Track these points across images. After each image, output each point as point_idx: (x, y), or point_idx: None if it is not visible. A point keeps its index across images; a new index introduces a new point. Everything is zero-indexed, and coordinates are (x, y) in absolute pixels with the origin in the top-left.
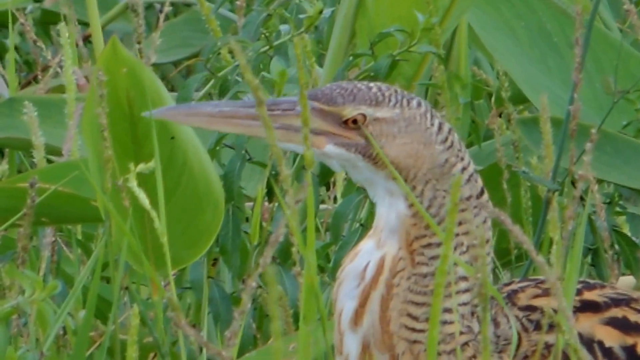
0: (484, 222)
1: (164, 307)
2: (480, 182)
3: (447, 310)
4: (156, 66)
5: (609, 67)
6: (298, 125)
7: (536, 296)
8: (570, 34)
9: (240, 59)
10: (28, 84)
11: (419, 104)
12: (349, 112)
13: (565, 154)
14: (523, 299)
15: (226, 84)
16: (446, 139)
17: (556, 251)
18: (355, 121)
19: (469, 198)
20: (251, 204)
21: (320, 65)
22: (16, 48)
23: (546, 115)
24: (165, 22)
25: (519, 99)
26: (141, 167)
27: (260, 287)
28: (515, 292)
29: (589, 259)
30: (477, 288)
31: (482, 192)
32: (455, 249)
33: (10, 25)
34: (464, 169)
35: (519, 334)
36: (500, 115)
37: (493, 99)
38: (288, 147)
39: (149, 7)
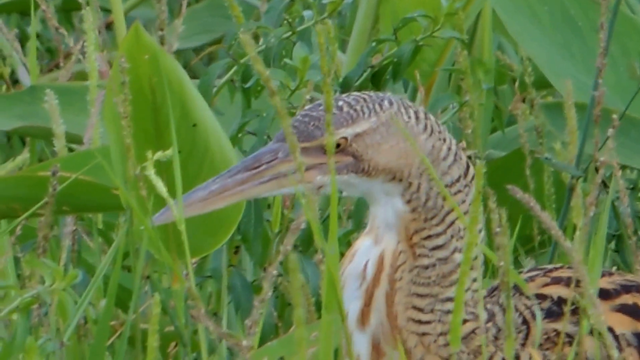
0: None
1: (185, 296)
2: (464, 158)
3: (450, 300)
4: (178, 53)
5: (634, 52)
6: (285, 171)
7: (545, 285)
8: (594, 19)
9: (251, 50)
10: (50, 71)
11: (390, 103)
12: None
13: (589, 140)
14: (532, 288)
15: (248, 71)
16: (426, 126)
17: (579, 237)
18: (337, 145)
19: (458, 179)
20: None
21: (343, 51)
22: (38, 35)
23: (570, 100)
24: (188, 9)
25: (543, 84)
26: (159, 154)
27: (281, 275)
28: (526, 280)
29: (612, 245)
30: (500, 275)
31: (467, 168)
32: (452, 237)
33: (32, 12)
34: (448, 149)
35: (529, 322)
36: (523, 101)
37: (517, 84)
38: (283, 192)
39: None
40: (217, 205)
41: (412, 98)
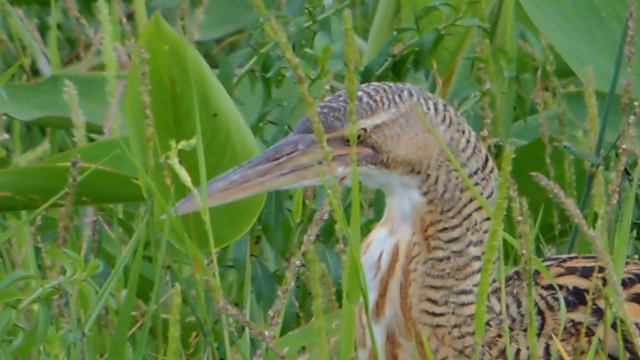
0: (492, 193)
1: (206, 286)
2: (483, 150)
3: (464, 292)
4: (199, 43)
5: None
6: (306, 163)
7: (560, 275)
8: (617, 8)
9: (280, 37)
10: (70, 61)
11: (410, 94)
12: (347, 130)
13: (611, 128)
14: (547, 278)
15: (269, 61)
16: (444, 117)
17: (601, 225)
18: (357, 136)
19: (476, 172)
20: None
21: (365, 40)
22: (58, 25)
23: (591, 88)
24: None
25: (565, 72)
26: (183, 144)
27: (303, 265)
28: (537, 273)
29: (634, 233)
30: (522, 264)
31: (486, 161)
32: (467, 230)
33: (52, 2)
34: (467, 141)
35: (543, 312)
36: (546, 89)
37: (539, 72)
38: (303, 184)
39: None
40: (238, 196)
41: (433, 87)
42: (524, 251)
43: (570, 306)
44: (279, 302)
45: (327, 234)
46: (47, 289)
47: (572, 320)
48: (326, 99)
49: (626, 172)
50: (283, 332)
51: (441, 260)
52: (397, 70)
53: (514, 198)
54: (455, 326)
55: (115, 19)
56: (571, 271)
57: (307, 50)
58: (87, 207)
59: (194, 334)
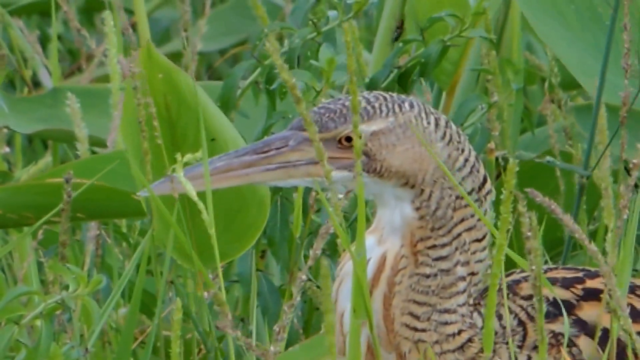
0: (484, 215)
1: (210, 302)
2: (482, 171)
3: (447, 311)
4: (202, 54)
5: None
6: (295, 160)
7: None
8: (622, 18)
9: (276, 59)
10: (72, 73)
11: (411, 106)
12: (341, 132)
13: (616, 141)
14: (526, 289)
15: (273, 73)
16: (444, 134)
17: (611, 239)
18: (349, 139)
19: (470, 192)
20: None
21: (370, 52)
22: (59, 37)
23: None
24: (212, 9)
25: (572, 84)
26: (188, 157)
27: (309, 280)
28: (517, 282)
29: None
30: (531, 279)
31: (484, 182)
32: (456, 249)
33: (53, 13)
34: (465, 160)
35: (525, 323)
36: (553, 101)
37: (546, 84)
38: (290, 183)
39: None
40: (219, 185)
41: (438, 98)
42: (533, 267)
43: (551, 317)
44: (285, 317)
45: (333, 248)
46: (50, 305)
47: (553, 331)
48: (326, 101)
49: (636, 186)
50: (288, 347)
51: (427, 276)
52: (402, 82)
53: (523, 212)
54: (436, 342)
55: (117, 30)
56: (551, 282)
57: (312, 62)
58: (90, 222)
59: (198, 350)
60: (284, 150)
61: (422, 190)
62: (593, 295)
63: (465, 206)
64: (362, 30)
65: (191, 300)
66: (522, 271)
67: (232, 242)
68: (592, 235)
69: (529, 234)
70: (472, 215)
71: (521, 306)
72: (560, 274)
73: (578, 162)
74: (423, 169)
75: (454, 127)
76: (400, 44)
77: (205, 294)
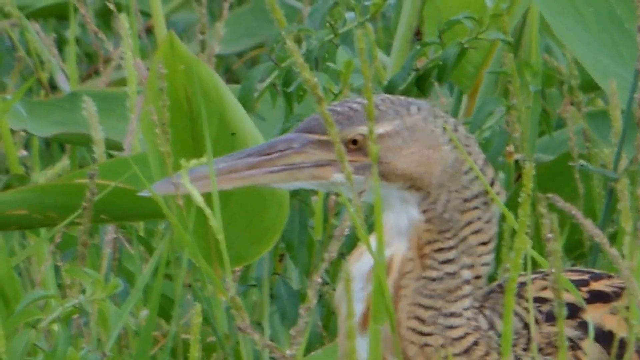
0: (491, 218)
1: (227, 306)
2: (490, 174)
3: (453, 315)
4: (220, 57)
5: None
6: (300, 162)
7: (545, 288)
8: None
9: (297, 57)
10: (89, 76)
11: (418, 109)
12: (347, 134)
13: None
14: (533, 291)
15: (290, 75)
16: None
17: (630, 243)
18: (355, 141)
19: (477, 195)
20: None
21: (388, 54)
22: (77, 40)
23: (615, 101)
24: (230, 12)
25: (592, 86)
26: (194, 162)
27: (327, 283)
28: (522, 284)
29: None
30: (551, 282)
31: (491, 185)
32: (463, 252)
33: (71, 16)
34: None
35: (530, 326)
36: (572, 104)
37: (565, 87)
38: (295, 185)
39: None
40: (222, 186)
41: (458, 101)
42: (553, 269)
43: (555, 319)
44: (302, 321)
45: (350, 251)
46: (67, 309)
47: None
48: (334, 103)
49: None
50: (307, 352)
51: (434, 280)
52: (420, 85)
53: (544, 215)
54: (441, 346)
55: (134, 33)
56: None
57: (329, 64)
58: (108, 225)
59: (215, 353)
60: (288, 153)
61: (429, 193)
62: (598, 297)
63: (473, 209)
64: (380, 32)
65: (210, 304)
66: (534, 274)
67: (250, 244)
68: (612, 238)
69: (550, 235)
70: (479, 218)
71: (526, 309)
72: (565, 276)
73: (597, 165)
74: (429, 172)
75: (462, 130)
76: (418, 47)
77: (223, 298)
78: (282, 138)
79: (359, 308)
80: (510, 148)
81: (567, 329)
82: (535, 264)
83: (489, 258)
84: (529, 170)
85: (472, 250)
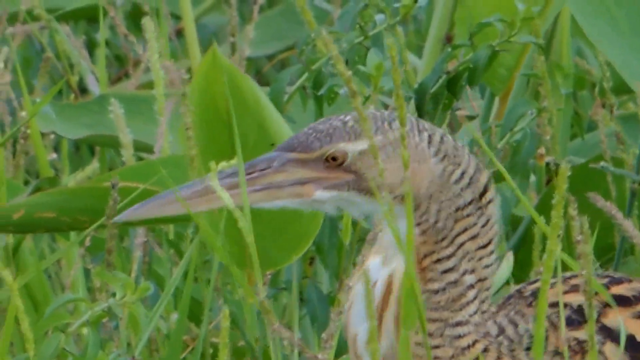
0: (487, 222)
1: (258, 310)
2: (483, 180)
3: (460, 324)
4: (250, 60)
5: None
6: (280, 181)
7: (564, 293)
8: None
9: (332, 50)
10: (119, 79)
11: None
12: (326, 151)
13: None
14: (550, 296)
15: (320, 77)
16: (439, 149)
17: None
18: (334, 158)
19: (471, 202)
20: None
21: (419, 57)
22: (106, 42)
23: None
24: (260, 15)
25: (623, 88)
26: (223, 164)
27: None
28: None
29: None
30: (582, 285)
31: (484, 191)
32: (462, 259)
33: (100, 19)
34: (463, 173)
35: (547, 330)
36: (603, 106)
37: (597, 89)
38: (276, 204)
39: None
40: (199, 208)
41: (489, 104)
42: (583, 272)
43: (575, 324)
44: (333, 324)
45: None
46: (97, 312)
47: (577, 339)
48: (318, 121)
49: None
50: (337, 356)
51: (437, 292)
52: (451, 88)
53: (574, 217)
54: (452, 357)
55: (164, 35)
56: (576, 289)
57: (360, 67)
58: (138, 228)
59: (244, 358)
60: (267, 172)
61: (419, 205)
62: (619, 301)
63: (466, 216)
64: (411, 35)
65: (239, 307)
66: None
67: (283, 249)
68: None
69: (580, 237)
70: (475, 224)
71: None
72: None
73: (629, 168)
74: (416, 184)
75: (450, 141)
76: (449, 49)
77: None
78: (262, 157)
79: (364, 328)
80: (542, 150)
81: (586, 334)
82: (565, 267)
83: (491, 259)
84: (564, 171)
85: (471, 255)
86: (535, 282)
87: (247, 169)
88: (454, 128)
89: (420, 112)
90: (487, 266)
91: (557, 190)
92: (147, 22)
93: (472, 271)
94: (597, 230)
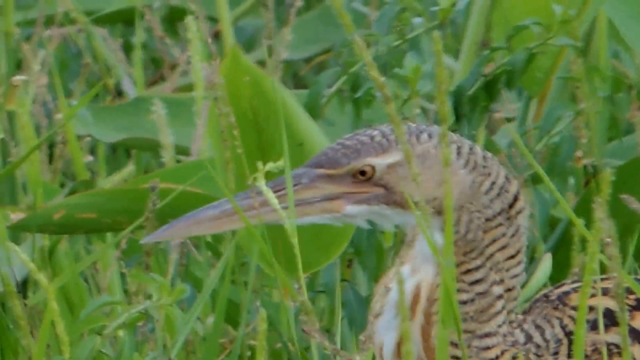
0: (517, 232)
1: (295, 312)
2: (512, 190)
3: (488, 335)
4: (287, 63)
5: None
6: (310, 197)
7: (592, 296)
8: None
9: (366, 56)
10: (154, 82)
11: (429, 136)
12: (354, 167)
13: None
14: (576, 300)
15: (358, 80)
16: (467, 160)
17: None
18: (363, 173)
19: (500, 212)
20: None
21: (456, 60)
22: (143, 45)
23: None
24: (298, 18)
25: None
26: (270, 165)
27: None
28: (566, 293)
29: None
30: (613, 287)
31: (514, 201)
32: (491, 270)
33: (136, 22)
34: (492, 183)
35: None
36: None
37: (634, 92)
38: (306, 221)
39: (280, 1)
40: (229, 227)
41: (526, 107)
42: (615, 274)
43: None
44: (372, 327)
45: None
46: (133, 315)
47: (605, 342)
48: (344, 136)
49: None
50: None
51: (465, 303)
52: (489, 91)
53: (601, 219)
54: None
55: (201, 38)
56: (603, 292)
57: (397, 70)
58: None
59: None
60: (297, 188)
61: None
62: None
63: (496, 227)
64: (448, 38)
65: (276, 310)
66: (573, 282)
67: (319, 251)
68: None
69: (609, 240)
70: (504, 234)
71: (571, 316)
72: (603, 284)
73: None
74: None
75: (479, 152)
76: (486, 52)
77: (291, 303)
78: (291, 174)
79: (392, 337)
80: (579, 153)
81: (614, 336)
82: (603, 269)
83: (519, 269)
84: (607, 175)
85: (499, 265)
86: (561, 286)
87: (274, 187)
88: (492, 130)
89: (458, 115)
90: (514, 276)
91: (600, 193)
92: (189, 22)
93: (501, 282)
94: (636, 233)
